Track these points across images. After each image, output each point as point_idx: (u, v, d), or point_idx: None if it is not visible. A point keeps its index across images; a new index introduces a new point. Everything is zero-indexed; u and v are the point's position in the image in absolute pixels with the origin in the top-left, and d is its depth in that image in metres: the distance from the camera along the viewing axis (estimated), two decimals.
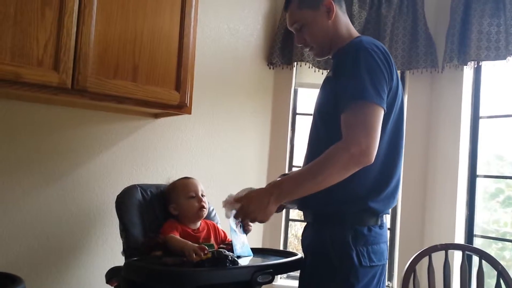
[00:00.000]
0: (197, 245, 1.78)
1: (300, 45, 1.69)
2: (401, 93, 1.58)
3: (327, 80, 1.59)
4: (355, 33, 1.65)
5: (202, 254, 1.71)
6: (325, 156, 1.41)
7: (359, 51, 1.46)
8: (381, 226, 1.54)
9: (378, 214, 1.52)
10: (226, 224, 2.02)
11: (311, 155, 1.57)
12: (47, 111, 2.14)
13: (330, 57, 1.67)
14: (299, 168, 1.56)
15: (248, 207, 1.49)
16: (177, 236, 1.90)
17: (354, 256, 1.45)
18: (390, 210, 1.59)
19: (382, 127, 1.45)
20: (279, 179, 1.57)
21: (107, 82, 1.93)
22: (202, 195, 2.05)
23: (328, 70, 1.62)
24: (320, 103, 1.61)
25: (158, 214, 2.10)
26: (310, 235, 1.60)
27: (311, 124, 1.65)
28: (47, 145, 2.14)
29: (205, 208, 2.03)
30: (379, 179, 1.51)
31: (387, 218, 1.61)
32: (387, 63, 1.46)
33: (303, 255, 1.71)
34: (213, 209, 2.26)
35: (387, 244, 1.57)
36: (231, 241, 2.03)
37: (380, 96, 1.41)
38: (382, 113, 1.42)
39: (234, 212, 1.97)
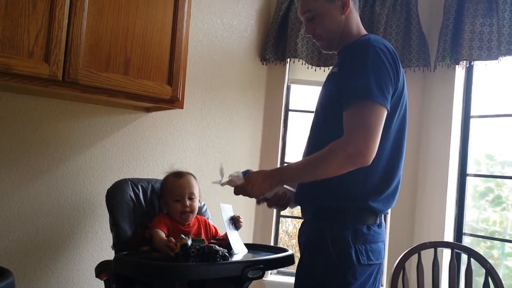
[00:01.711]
0: (165, 239, 1.78)
1: (308, 35, 1.68)
2: (406, 94, 1.57)
3: (332, 76, 1.58)
4: (363, 31, 1.64)
5: (174, 246, 1.72)
6: (324, 151, 1.42)
7: (367, 49, 1.45)
8: (380, 225, 1.54)
9: (377, 213, 1.52)
10: (217, 219, 2.03)
11: (311, 149, 1.56)
12: (37, 103, 2.12)
13: (336, 52, 1.67)
14: (302, 159, 1.57)
15: (251, 187, 1.53)
16: (159, 232, 1.88)
17: (353, 254, 1.45)
18: (389, 210, 1.60)
19: (386, 128, 1.45)
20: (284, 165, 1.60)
21: (99, 75, 1.92)
22: (190, 198, 2.00)
23: (333, 66, 1.61)
24: (324, 98, 1.60)
25: (149, 209, 2.09)
26: (308, 231, 1.60)
27: (313, 119, 1.64)
28: (37, 138, 2.12)
29: (188, 212, 1.98)
30: (382, 179, 1.51)
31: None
32: (394, 63, 1.46)
33: (294, 252, 1.71)
34: (204, 204, 2.26)
35: (384, 243, 1.57)
36: (222, 236, 2.03)
37: (384, 96, 1.41)
38: (384, 114, 1.42)
39: (226, 207, 1.98)
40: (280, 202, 1.65)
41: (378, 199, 1.50)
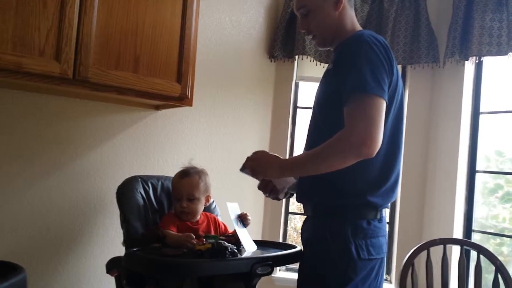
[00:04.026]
0: (183, 234, 1.82)
1: (303, 31, 1.70)
2: (401, 88, 1.58)
3: (327, 73, 1.59)
4: (358, 27, 1.65)
5: (194, 240, 1.76)
6: (328, 143, 1.42)
7: (360, 44, 1.47)
8: (380, 220, 1.55)
9: (377, 208, 1.53)
10: (227, 216, 2.04)
11: (309, 147, 1.58)
12: (48, 101, 2.14)
13: (332, 49, 1.67)
14: (304, 152, 1.58)
15: (256, 165, 1.61)
16: (172, 232, 1.89)
17: (353, 249, 1.47)
18: (389, 204, 1.60)
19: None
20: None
21: (109, 73, 1.93)
22: (189, 199, 1.98)
23: (329, 63, 1.62)
24: (320, 95, 1.62)
25: (158, 206, 2.11)
26: (310, 228, 1.61)
27: (311, 116, 1.66)
28: (48, 135, 2.14)
29: (186, 213, 1.98)
30: (380, 174, 1.52)
31: (386, 212, 1.62)
32: (387, 57, 1.47)
33: (302, 248, 1.72)
34: (213, 201, 2.26)
35: (385, 237, 1.58)
36: (231, 233, 2.04)
37: (381, 87, 1.41)
38: (383, 105, 1.42)
39: (233, 206, 1.99)
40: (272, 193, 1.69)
41: (377, 193, 1.51)
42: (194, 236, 1.80)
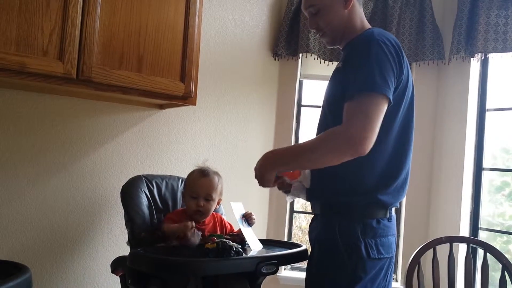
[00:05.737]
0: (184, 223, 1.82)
1: (312, 30, 1.68)
2: (412, 87, 1.56)
3: (337, 71, 1.58)
4: (367, 26, 1.64)
5: (191, 225, 1.79)
6: (321, 136, 1.43)
7: (369, 43, 1.45)
8: (390, 219, 1.53)
9: (387, 207, 1.51)
10: (231, 216, 2.03)
11: None
12: (52, 101, 2.14)
13: (340, 48, 1.66)
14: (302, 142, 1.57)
15: (257, 170, 1.55)
16: (170, 224, 1.90)
17: (362, 248, 1.45)
18: (399, 203, 1.58)
19: (390, 121, 1.45)
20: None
21: (112, 73, 1.93)
22: (206, 199, 1.98)
23: (338, 62, 1.61)
24: (329, 93, 1.60)
25: (163, 205, 2.11)
26: (318, 226, 1.60)
27: (320, 114, 1.64)
28: (52, 136, 2.15)
29: (200, 212, 1.97)
30: (388, 172, 1.50)
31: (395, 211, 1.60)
32: (397, 56, 1.45)
33: (307, 247, 1.71)
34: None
35: (395, 237, 1.57)
36: (236, 232, 2.03)
37: (388, 87, 1.40)
38: (385, 105, 1.40)
39: (237, 206, 1.98)
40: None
41: (387, 192, 1.49)
42: (192, 225, 1.82)
